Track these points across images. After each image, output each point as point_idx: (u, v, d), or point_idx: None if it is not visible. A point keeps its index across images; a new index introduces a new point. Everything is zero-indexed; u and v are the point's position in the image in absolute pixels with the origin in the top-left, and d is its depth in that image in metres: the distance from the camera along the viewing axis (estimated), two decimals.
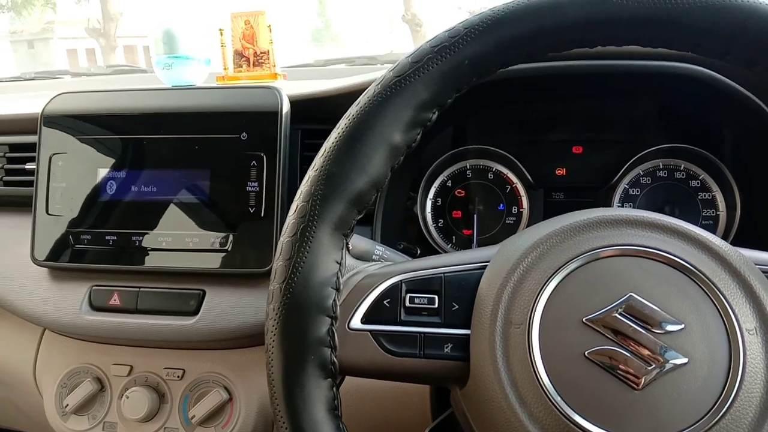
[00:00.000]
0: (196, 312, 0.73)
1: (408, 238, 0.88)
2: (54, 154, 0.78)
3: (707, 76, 0.71)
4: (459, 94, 0.44)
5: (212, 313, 0.72)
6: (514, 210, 0.87)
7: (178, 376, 0.76)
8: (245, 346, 0.75)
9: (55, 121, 0.78)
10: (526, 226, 0.86)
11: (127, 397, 0.75)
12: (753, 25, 0.39)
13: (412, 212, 0.89)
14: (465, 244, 0.88)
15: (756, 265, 0.42)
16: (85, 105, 0.78)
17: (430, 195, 0.89)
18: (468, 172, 0.88)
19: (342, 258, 0.44)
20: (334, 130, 0.43)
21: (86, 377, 0.78)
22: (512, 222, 0.87)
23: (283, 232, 0.43)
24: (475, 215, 0.87)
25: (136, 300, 0.74)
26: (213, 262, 0.72)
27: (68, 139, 0.78)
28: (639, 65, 0.73)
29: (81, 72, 1.42)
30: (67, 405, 0.77)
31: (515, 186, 0.87)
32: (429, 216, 0.88)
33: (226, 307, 0.72)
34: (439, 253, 0.87)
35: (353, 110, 0.43)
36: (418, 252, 0.84)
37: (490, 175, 0.87)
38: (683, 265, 0.41)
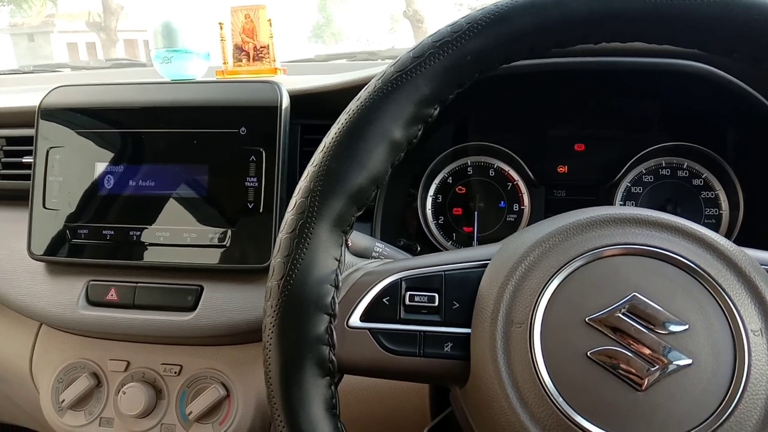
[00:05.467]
0: (193, 308, 0.72)
1: (408, 235, 0.87)
2: (51, 148, 0.77)
3: (712, 74, 0.71)
4: (460, 90, 0.43)
5: (210, 309, 0.72)
6: (515, 207, 0.86)
7: (176, 372, 0.76)
8: (243, 342, 0.75)
9: (53, 114, 0.77)
10: (527, 224, 0.85)
11: (124, 393, 0.75)
12: (760, 23, 0.38)
13: (413, 209, 0.88)
14: (465, 242, 0.87)
15: (761, 265, 0.41)
16: (83, 98, 0.78)
17: (431, 192, 0.88)
18: (469, 168, 0.87)
19: (341, 255, 0.43)
20: (334, 125, 0.43)
21: (83, 372, 0.77)
22: (513, 219, 0.86)
23: (281, 229, 0.43)
24: (476, 212, 0.87)
25: (134, 295, 0.74)
26: (211, 257, 0.72)
27: (66, 132, 0.77)
28: (643, 62, 0.72)
29: (80, 65, 1.41)
30: (64, 400, 0.77)
31: (516, 183, 0.86)
32: (429, 213, 0.88)
33: (224, 302, 0.72)
34: (439, 250, 0.87)
35: (353, 105, 0.42)
36: (418, 249, 0.83)
37: (492, 172, 0.87)
38: (688, 264, 0.40)
